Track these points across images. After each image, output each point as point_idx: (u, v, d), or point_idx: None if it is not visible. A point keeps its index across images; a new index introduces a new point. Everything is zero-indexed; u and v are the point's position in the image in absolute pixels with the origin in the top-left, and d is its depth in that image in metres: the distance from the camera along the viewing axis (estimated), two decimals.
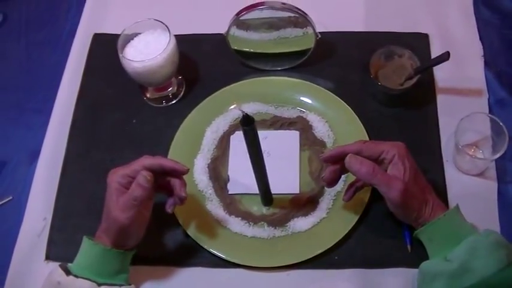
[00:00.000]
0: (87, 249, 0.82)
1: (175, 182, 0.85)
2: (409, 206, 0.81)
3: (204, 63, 1.09)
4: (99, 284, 0.79)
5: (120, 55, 0.96)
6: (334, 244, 0.88)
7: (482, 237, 0.77)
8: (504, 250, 0.75)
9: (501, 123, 0.89)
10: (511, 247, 0.77)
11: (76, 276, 0.78)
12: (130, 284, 0.84)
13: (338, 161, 0.84)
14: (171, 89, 1.05)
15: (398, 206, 0.81)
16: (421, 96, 1.01)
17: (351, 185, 0.89)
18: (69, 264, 0.82)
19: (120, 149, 1.00)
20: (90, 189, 0.96)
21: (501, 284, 0.73)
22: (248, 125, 0.72)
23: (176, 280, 0.89)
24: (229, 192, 0.95)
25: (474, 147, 0.95)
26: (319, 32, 1.00)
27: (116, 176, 0.82)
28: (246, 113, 0.72)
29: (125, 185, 0.82)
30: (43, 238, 0.94)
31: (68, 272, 0.79)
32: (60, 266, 0.81)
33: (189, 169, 0.85)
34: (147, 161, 0.83)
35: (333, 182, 0.87)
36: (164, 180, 0.85)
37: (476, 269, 0.74)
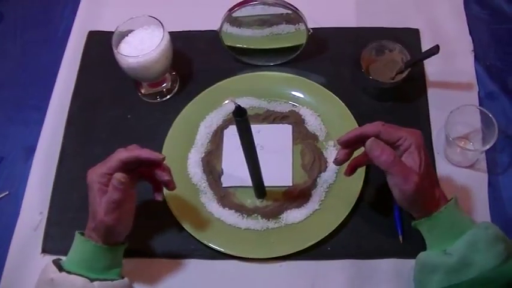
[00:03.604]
0: (79, 246, 0.82)
1: (156, 171, 0.86)
2: (419, 199, 0.79)
3: (198, 59, 1.10)
4: (92, 280, 0.78)
5: (115, 51, 0.97)
6: (327, 235, 0.89)
7: (482, 231, 0.76)
8: (503, 244, 0.75)
9: (491, 115, 0.90)
10: (508, 241, 0.76)
11: (69, 273, 0.78)
12: (123, 278, 0.83)
13: (353, 144, 0.84)
14: (165, 84, 1.06)
15: (408, 198, 0.79)
16: (412, 90, 1.02)
17: (354, 160, 0.88)
18: (62, 260, 0.82)
19: (115, 144, 0.98)
20: (86, 184, 0.96)
21: (500, 278, 0.73)
22: (241, 116, 0.73)
23: (170, 272, 0.90)
24: (223, 185, 0.96)
25: (464, 139, 0.96)
26: (311, 28, 1.01)
27: (95, 176, 0.82)
28: (239, 105, 0.73)
29: (106, 183, 0.81)
30: (39, 232, 0.94)
31: (60, 268, 0.79)
32: (53, 262, 0.81)
33: (165, 157, 0.85)
34: (123, 155, 0.83)
35: (343, 163, 0.87)
36: (146, 169, 0.86)
37: (475, 263, 0.74)
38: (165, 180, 0.86)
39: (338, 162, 0.87)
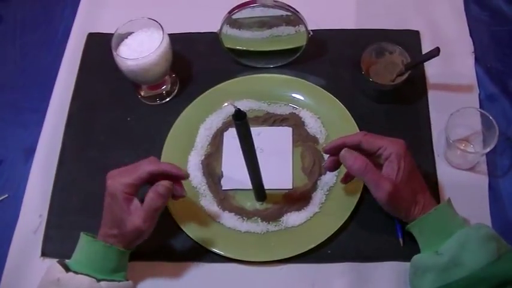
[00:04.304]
0: (86, 246, 0.83)
1: (176, 187, 0.86)
2: (396, 206, 0.82)
3: (198, 61, 1.10)
4: (98, 280, 0.79)
5: (114, 53, 0.96)
6: (327, 238, 0.89)
7: (473, 231, 0.78)
8: (494, 243, 0.75)
9: (491, 118, 0.90)
10: (501, 240, 0.77)
11: (75, 273, 0.79)
12: (128, 280, 0.84)
13: (339, 152, 0.86)
14: (164, 87, 1.06)
15: (384, 205, 0.83)
16: (412, 92, 1.02)
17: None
18: (67, 261, 0.82)
19: (114, 146, 1.01)
20: (86, 186, 0.97)
21: (491, 277, 0.74)
22: (240, 119, 0.73)
23: (170, 275, 0.90)
24: (223, 188, 0.96)
25: (465, 141, 0.96)
26: (311, 30, 1.01)
27: (120, 186, 0.82)
28: (238, 108, 0.73)
29: (131, 192, 0.82)
30: (39, 235, 0.94)
31: (67, 269, 0.79)
32: (58, 262, 0.81)
33: (189, 175, 0.87)
34: (151, 167, 0.83)
35: (333, 169, 0.90)
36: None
37: (466, 262, 0.75)
38: (183, 195, 0.87)
39: (326, 169, 0.91)
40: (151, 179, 0.84)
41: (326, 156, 0.96)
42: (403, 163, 0.81)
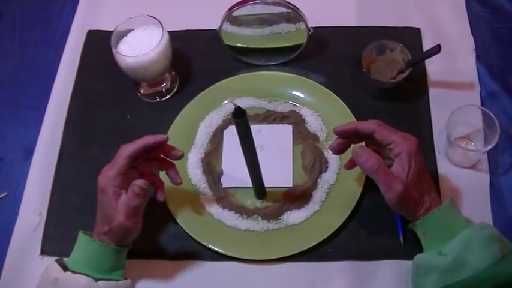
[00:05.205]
0: (84, 245, 0.82)
1: (172, 153, 0.87)
2: (405, 206, 0.81)
3: (198, 58, 1.09)
4: (96, 280, 0.79)
5: (114, 51, 0.96)
6: (328, 237, 0.88)
7: (476, 231, 0.77)
8: (498, 244, 0.75)
9: (492, 116, 0.89)
10: (504, 240, 0.77)
11: (73, 272, 0.79)
12: (126, 279, 0.84)
13: (348, 136, 0.85)
14: (164, 84, 1.05)
15: (393, 205, 0.81)
16: (413, 90, 1.02)
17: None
18: (65, 260, 0.82)
19: (114, 144, 0.98)
20: (85, 185, 0.96)
21: (494, 278, 0.73)
22: (240, 117, 0.73)
23: (171, 274, 0.89)
24: (223, 186, 0.96)
25: (466, 139, 0.95)
26: (312, 27, 1.01)
27: (107, 180, 0.82)
28: (238, 106, 0.72)
29: (119, 185, 0.82)
30: (38, 233, 0.94)
31: (65, 268, 0.79)
32: (56, 261, 0.81)
33: (168, 137, 0.86)
34: (129, 149, 0.83)
35: (338, 152, 0.88)
36: (147, 169, 0.87)
37: (469, 263, 0.74)
38: (178, 182, 0.87)
39: (331, 149, 0.88)
40: (138, 162, 0.84)
41: (327, 154, 0.96)
42: (414, 163, 0.80)
